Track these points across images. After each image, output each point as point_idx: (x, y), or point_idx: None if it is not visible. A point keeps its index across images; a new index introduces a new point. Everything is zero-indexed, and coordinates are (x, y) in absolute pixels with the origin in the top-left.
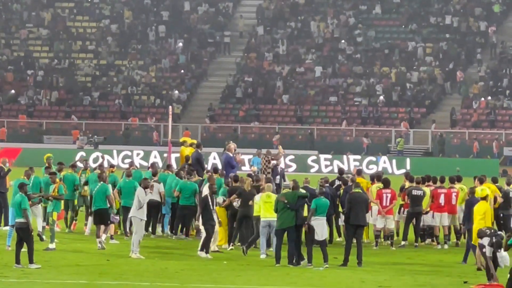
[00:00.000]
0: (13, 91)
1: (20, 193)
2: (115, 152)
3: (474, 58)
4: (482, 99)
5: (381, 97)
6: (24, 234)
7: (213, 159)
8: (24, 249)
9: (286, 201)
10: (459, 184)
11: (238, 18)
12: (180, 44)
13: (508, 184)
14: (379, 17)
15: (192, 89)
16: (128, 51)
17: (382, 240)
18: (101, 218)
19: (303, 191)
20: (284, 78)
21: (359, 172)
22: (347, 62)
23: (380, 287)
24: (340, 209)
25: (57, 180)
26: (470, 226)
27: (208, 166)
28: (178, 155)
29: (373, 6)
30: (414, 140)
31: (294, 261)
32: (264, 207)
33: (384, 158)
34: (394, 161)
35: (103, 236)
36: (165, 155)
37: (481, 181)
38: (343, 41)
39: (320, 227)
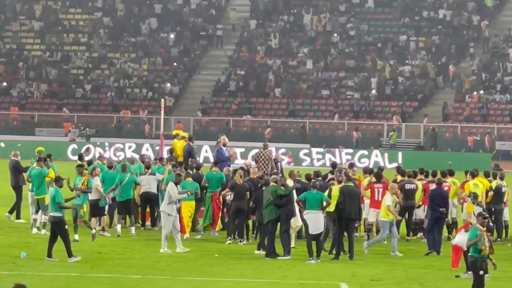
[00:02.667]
0: (5, 84)
1: (55, 186)
2: (107, 144)
3: (466, 52)
4: (475, 93)
5: (374, 91)
6: (58, 228)
7: (205, 152)
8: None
9: (272, 198)
10: (451, 178)
11: (231, 11)
12: (172, 37)
13: (502, 179)
14: (372, 10)
15: (184, 82)
16: (121, 44)
17: (374, 234)
18: (128, 208)
19: (283, 188)
20: (277, 71)
21: (351, 166)
22: (339, 56)
23: (372, 281)
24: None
25: (85, 172)
26: (432, 215)
27: (200, 159)
28: (170, 147)
29: (366, 0)
30: (406, 134)
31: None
32: None
33: (376, 151)
34: (386, 155)
35: (132, 229)
36: (157, 147)
37: (473, 175)
38: (335, 34)
39: (312, 221)
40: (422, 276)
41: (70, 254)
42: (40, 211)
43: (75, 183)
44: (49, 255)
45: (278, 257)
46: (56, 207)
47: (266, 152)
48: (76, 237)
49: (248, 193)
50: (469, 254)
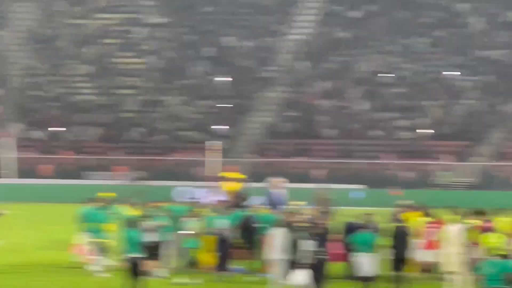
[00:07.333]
0: (58, 128)
1: (132, 228)
2: (159, 187)
3: None
4: None
5: (426, 131)
6: (138, 269)
7: (259, 194)
8: None
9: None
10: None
11: (283, 53)
12: (224, 79)
13: None
14: (424, 50)
15: (237, 124)
16: (172, 86)
17: (428, 273)
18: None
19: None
20: (329, 112)
21: (408, 207)
22: (392, 96)
23: None
24: (386, 243)
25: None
26: None
27: (254, 201)
28: (224, 190)
29: (418, 40)
30: (459, 174)
31: None
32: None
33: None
34: (438, 194)
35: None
36: (210, 190)
37: None
38: (387, 75)
39: (362, 263)
40: None
41: None
42: (101, 254)
43: (188, 226)
44: None
45: None
46: (135, 248)
47: (323, 193)
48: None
49: None
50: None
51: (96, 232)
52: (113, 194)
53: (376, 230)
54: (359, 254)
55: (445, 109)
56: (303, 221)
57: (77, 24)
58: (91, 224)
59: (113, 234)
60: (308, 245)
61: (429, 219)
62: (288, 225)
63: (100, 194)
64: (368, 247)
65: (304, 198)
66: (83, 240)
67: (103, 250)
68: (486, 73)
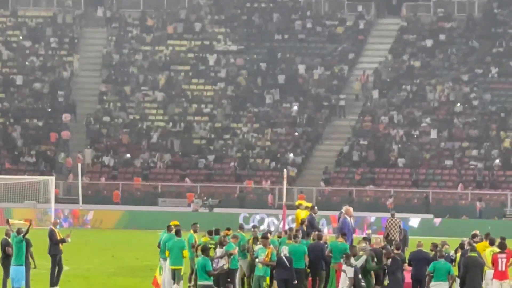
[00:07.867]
0: (128, 155)
1: (203, 256)
2: (230, 215)
3: None
4: None
5: (497, 161)
6: None
7: (327, 222)
8: None
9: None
10: None
11: (353, 81)
12: (295, 107)
13: None
14: (495, 80)
15: (307, 152)
16: (243, 114)
17: None
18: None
19: None
20: (400, 141)
21: (474, 236)
22: (462, 126)
23: None
24: (456, 273)
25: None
26: None
27: (324, 229)
28: (296, 218)
29: (489, 69)
30: None
31: None
32: None
33: (500, 221)
34: (510, 225)
35: None
36: (278, 217)
37: None
38: (458, 104)
39: None
40: None
41: None
42: (176, 281)
43: (258, 254)
44: None
45: None
46: (205, 276)
47: (395, 221)
48: None
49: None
50: None
51: (174, 259)
52: (177, 222)
53: (450, 259)
54: (435, 283)
55: None
56: (370, 250)
57: (148, 51)
58: (169, 250)
59: (185, 261)
60: (357, 274)
61: (495, 249)
62: (354, 254)
63: (173, 222)
64: (444, 276)
65: (374, 227)
66: (159, 267)
67: (178, 277)
68: None
